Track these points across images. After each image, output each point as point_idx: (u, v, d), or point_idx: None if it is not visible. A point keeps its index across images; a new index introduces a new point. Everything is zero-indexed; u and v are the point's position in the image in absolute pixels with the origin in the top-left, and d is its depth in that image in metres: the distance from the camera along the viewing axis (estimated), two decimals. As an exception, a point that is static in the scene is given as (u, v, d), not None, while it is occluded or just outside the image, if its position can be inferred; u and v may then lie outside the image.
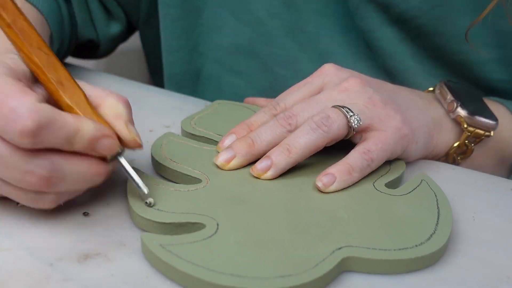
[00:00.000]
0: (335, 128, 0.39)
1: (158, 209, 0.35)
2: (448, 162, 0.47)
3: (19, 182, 0.32)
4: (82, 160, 0.33)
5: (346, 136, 0.40)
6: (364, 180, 0.39)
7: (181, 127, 0.47)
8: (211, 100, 0.58)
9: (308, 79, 0.45)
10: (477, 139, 0.47)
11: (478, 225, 0.38)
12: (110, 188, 0.41)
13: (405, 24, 0.53)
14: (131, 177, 0.35)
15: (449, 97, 0.47)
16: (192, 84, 0.66)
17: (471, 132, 0.46)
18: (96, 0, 0.61)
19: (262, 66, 0.60)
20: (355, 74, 0.44)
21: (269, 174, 0.39)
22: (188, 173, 0.40)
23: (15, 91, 0.30)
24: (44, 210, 0.38)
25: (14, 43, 0.34)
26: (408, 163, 0.44)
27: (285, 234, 0.33)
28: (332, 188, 0.38)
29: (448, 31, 0.52)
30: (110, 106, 0.35)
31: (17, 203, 0.35)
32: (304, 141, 0.38)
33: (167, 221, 0.34)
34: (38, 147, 0.31)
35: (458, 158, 0.47)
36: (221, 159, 0.40)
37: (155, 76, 0.75)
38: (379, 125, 0.40)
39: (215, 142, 0.44)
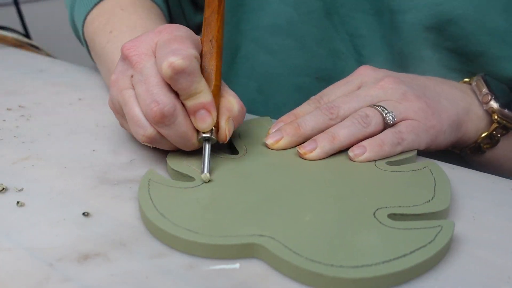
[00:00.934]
0: (373, 124, 0.44)
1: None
2: (474, 150, 0.52)
3: (146, 105, 0.39)
4: (190, 121, 0.40)
5: (382, 131, 0.45)
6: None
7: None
8: (245, 77, 0.62)
9: (348, 78, 0.50)
10: (504, 131, 0.51)
11: (478, 225, 0.38)
12: (110, 188, 0.41)
13: (433, 9, 0.54)
14: (204, 161, 0.40)
15: (485, 90, 0.51)
16: (230, 60, 0.69)
17: (500, 123, 0.50)
18: None
19: (299, 44, 0.63)
20: (389, 74, 0.49)
21: (315, 154, 0.43)
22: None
23: (187, 41, 0.40)
24: (44, 210, 0.38)
25: (213, 27, 0.44)
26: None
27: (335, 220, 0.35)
28: (362, 157, 0.43)
29: (477, 19, 0.53)
30: (229, 101, 0.42)
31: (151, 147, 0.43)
32: (347, 132, 0.44)
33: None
34: (172, 83, 0.38)
35: (485, 146, 0.52)
36: (270, 139, 0.45)
37: None
38: (414, 116, 0.45)
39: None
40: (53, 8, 0.73)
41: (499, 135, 0.51)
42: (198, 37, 0.43)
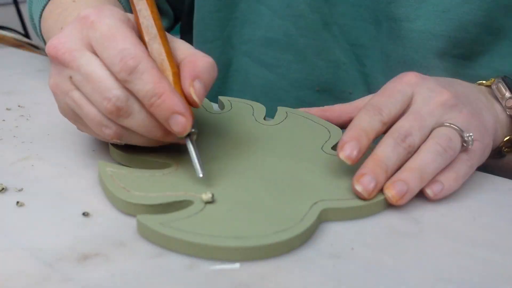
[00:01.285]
0: (457, 150, 0.41)
1: (140, 194, 0.37)
2: (494, 154, 0.49)
3: (98, 103, 0.37)
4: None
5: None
6: (312, 145, 0.45)
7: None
8: (239, 91, 0.60)
9: (396, 86, 0.44)
10: None
11: (478, 225, 0.38)
12: (110, 188, 0.41)
13: (441, 17, 0.54)
14: (192, 160, 0.38)
15: (508, 93, 0.48)
16: (222, 75, 0.68)
17: None
18: None
19: (298, 57, 0.62)
20: (440, 83, 0.44)
21: (406, 199, 0.38)
22: (156, 159, 0.42)
23: (128, 33, 0.37)
24: (44, 210, 0.38)
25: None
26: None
27: (267, 197, 0.38)
28: (439, 195, 0.39)
29: (484, 22, 0.53)
30: (190, 61, 0.39)
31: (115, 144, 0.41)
32: (436, 166, 0.39)
33: (156, 202, 0.36)
34: (127, 87, 0.36)
35: (505, 149, 0.50)
36: (366, 188, 0.38)
37: None
38: (475, 136, 0.42)
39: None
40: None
41: None
42: (129, 15, 0.41)
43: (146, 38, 0.39)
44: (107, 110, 0.37)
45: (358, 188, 0.38)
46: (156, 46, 0.39)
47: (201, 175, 0.37)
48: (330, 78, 0.62)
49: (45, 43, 0.59)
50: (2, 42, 0.85)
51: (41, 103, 0.57)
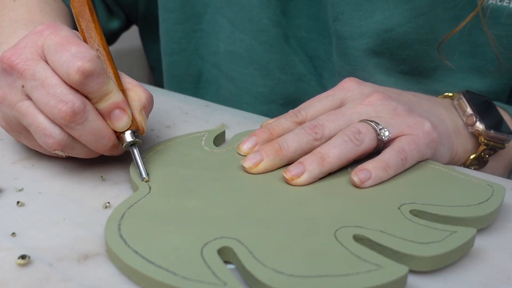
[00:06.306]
0: (366, 141, 0.40)
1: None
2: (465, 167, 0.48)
3: (52, 107, 0.37)
4: (102, 120, 0.38)
5: (375, 148, 0.41)
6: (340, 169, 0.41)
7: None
8: (212, 101, 0.58)
9: (329, 92, 0.45)
10: (492, 151, 0.48)
11: (478, 225, 0.38)
12: (110, 188, 0.41)
13: (383, 36, 0.53)
14: (136, 164, 0.40)
15: (468, 110, 0.48)
16: (193, 85, 0.67)
17: (488, 145, 0.47)
18: None
19: (262, 72, 0.61)
20: (377, 89, 0.45)
21: (303, 179, 0.39)
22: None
23: (80, 41, 0.38)
24: (44, 210, 0.38)
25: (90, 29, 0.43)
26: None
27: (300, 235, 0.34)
28: (367, 183, 0.39)
29: (429, 39, 0.53)
30: (136, 92, 0.41)
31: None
32: (338, 151, 0.39)
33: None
34: (82, 88, 0.37)
35: (473, 168, 0.49)
36: (249, 162, 0.41)
37: (156, 73, 0.76)
38: (409, 131, 0.41)
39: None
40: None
41: (487, 156, 0.48)
42: (77, 33, 0.42)
43: None
44: (62, 114, 0.36)
45: (244, 163, 0.40)
46: (103, 65, 0.41)
47: (144, 176, 0.39)
48: (293, 91, 0.61)
49: None
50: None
51: (41, 103, 0.57)
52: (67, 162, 0.44)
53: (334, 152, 0.39)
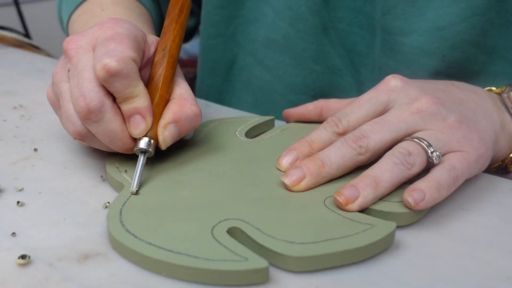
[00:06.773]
0: (417, 164, 0.37)
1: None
2: (499, 169, 0.46)
3: (75, 99, 0.38)
4: (121, 120, 0.39)
5: (425, 169, 0.39)
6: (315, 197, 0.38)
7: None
8: (241, 90, 0.60)
9: (372, 93, 0.42)
10: None
11: (478, 225, 0.38)
12: (110, 188, 0.41)
13: (435, 34, 0.52)
14: (135, 173, 0.38)
15: None
16: (225, 72, 0.68)
17: None
18: None
19: (295, 61, 0.61)
20: (424, 89, 0.42)
21: (357, 204, 0.36)
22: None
23: (127, 41, 0.39)
24: (44, 210, 0.38)
25: (171, 34, 0.43)
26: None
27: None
28: (421, 205, 0.36)
29: (479, 41, 0.52)
30: (177, 105, 0.40)
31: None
32: (390, 175, 0.37)
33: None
34: (107, 85, 0.37)
35: (511, 164, 0.46)
36: (290, 179, 0.38)
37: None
38: (458, 147, 0.39)
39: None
40: (53, 8, 0.74)
41: None
42: (142, 35, 0.42)
43: (157, 57, 0.42)
44: (78, 108, 0.38)
45: (284, 180, 0.38)
46: (159, 66, 0.41)
47: (135, 188, 0.37)
48: (325, 84, 0.61)
49: None
50: (2, 42, 0.85)
51: (42, 103, 0.58)
52: (67, 162, 0.44)
53: (387, 176, 0.37)
